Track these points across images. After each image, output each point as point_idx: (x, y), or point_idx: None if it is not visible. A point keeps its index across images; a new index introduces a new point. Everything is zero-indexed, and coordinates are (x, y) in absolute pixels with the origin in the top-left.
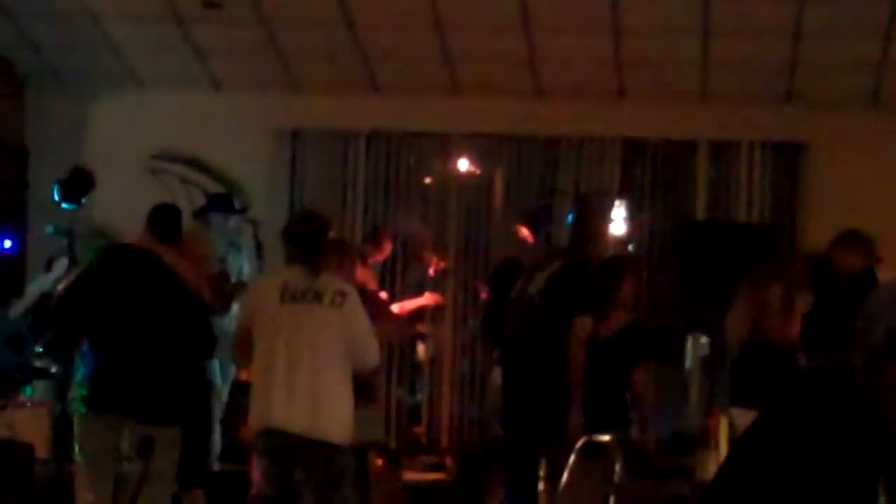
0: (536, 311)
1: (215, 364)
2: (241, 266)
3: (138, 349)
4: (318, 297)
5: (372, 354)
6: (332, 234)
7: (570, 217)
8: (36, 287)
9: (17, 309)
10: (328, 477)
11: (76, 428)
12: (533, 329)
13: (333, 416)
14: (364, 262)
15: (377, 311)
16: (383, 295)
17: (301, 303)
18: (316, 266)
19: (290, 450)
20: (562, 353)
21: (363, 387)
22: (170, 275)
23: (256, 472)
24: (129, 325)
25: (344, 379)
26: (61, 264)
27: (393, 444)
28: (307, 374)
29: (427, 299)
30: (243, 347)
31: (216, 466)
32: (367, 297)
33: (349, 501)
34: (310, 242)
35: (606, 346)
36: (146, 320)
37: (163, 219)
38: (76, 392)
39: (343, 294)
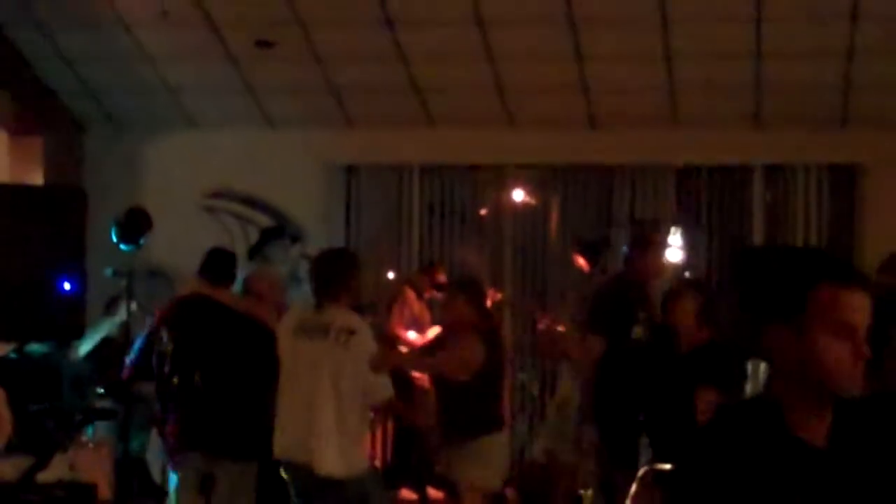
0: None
1: None
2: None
3: (207, 389)
4: (324, 332)
5: (380, 390)
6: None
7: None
8: (99, 331)
9: (80, 351)
10: None
11: None
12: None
13: (329, 451)
14: (420, 296)
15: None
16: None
17: (308, 338)
18: (323, 301)
19: (303, 482)
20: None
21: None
22: (230, 313)
23: None
24: (196, 368)
25: (345, 414)
26: (123, 307)
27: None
28: (308, 409)
29: None
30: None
31: None
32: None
33: None
34: (321, 278)
35: (681, 365)
36: (212, 361)
37: (213, 263)
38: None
39: (350, 331)
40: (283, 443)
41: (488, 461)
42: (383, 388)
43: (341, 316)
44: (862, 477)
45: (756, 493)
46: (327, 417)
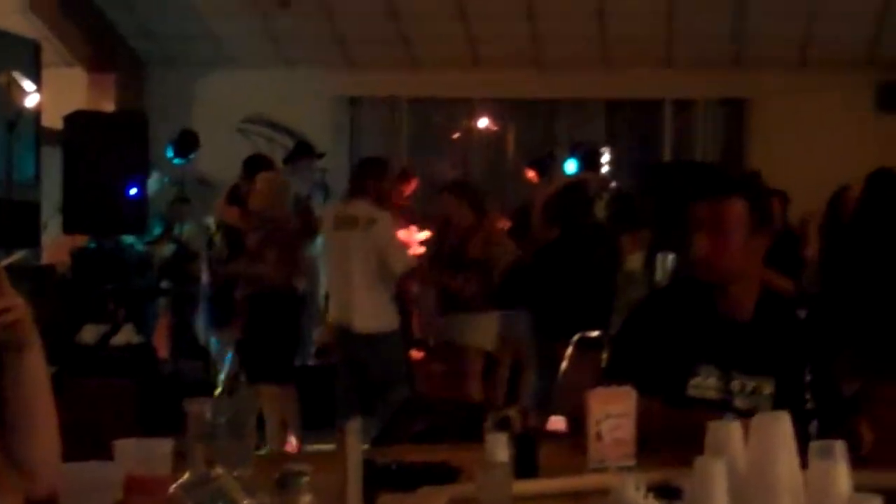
0: None
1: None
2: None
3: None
4: (353, 223)
5: (396, 264)
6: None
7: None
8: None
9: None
10: (376, 363)
11: None
12: None
13: (363, 313)
14: (398, 199)
15: None
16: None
17: (342, 229)
18: (352, 196)
19: (345, 339)
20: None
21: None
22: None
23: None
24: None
25: (376, 285)
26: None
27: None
28: (348, 284)
29: None
30: None
31: (310, 362)
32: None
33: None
34: (354, 177)
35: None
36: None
37: (247, 165)
38: None
39: (372, 220)
40: (333, 312)
41: (487, 328)
42: (401, 264)
43: (364, 208)
44: (773, 347)
45: (684, 353)
46: (365, 288)
